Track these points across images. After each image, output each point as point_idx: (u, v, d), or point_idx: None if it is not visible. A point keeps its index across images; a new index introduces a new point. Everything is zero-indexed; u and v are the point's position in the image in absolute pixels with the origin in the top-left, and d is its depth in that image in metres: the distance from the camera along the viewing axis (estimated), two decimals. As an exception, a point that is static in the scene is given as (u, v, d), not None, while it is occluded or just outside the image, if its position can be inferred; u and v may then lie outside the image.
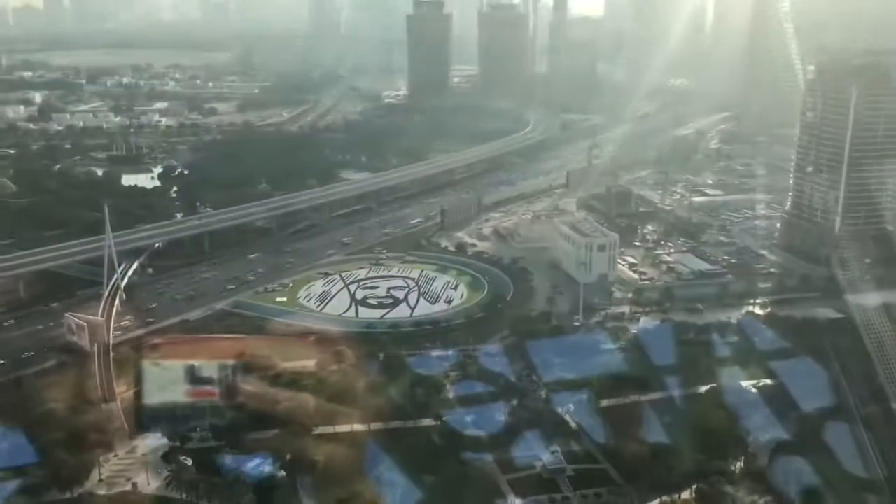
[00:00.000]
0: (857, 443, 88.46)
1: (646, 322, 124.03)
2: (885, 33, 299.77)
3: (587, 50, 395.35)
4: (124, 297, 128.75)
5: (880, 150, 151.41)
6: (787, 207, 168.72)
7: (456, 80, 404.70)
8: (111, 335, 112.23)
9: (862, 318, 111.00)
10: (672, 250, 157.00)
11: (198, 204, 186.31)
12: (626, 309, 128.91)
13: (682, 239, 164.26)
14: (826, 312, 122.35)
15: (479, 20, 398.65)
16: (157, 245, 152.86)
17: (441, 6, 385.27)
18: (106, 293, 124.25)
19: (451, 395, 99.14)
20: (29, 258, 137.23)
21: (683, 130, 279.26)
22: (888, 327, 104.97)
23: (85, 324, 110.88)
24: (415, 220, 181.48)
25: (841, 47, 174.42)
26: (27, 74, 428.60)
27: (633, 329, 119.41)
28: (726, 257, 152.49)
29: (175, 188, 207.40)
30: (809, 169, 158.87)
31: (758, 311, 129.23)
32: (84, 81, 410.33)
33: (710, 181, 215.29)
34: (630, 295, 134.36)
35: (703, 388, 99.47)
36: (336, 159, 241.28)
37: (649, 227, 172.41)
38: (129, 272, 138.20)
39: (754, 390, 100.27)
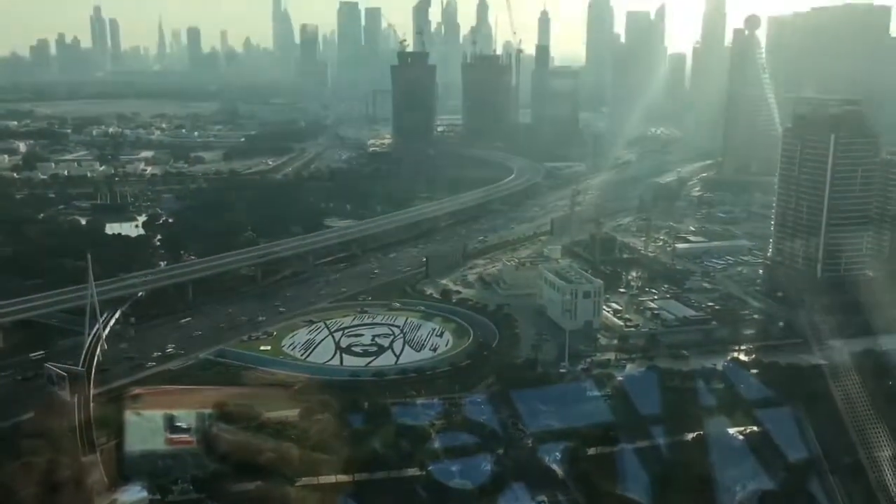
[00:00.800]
0: (837, 494, 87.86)
1: (632, 369, 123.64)
2: (861, 83, 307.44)
3: (569, 99, 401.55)
4: (106, 346, 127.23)
5: (859, 198, 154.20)
6: (769, 254, 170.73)
7: (440, 129, 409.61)
8: (91, 385, 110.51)
9: (843, 365, 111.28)
10: (656, 297, 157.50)
11: (182, 252, 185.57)
12: (611, 355, 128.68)
13: (666, 285, 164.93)
14: (810, 359, 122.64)
15: (463, 71, 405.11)
16: (139, 294, 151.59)
17: (425, 57, 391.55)
18: (87, 343, 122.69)
19: (436, 444, 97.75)
20: (9, 308, 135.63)
21: (665, 178, 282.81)
22: (867, 374, 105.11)
23: (65, 374, 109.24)
24: (400, 267, 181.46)
25: (817, 97, 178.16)
26: (12, 124, 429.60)
27: (619, 376, 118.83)
28: (710, 303, 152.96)
29: (159, 236, 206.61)
30: (790, 216, 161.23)
31: (743, 357, 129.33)
32: (70, 131, 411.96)
33: (692, 228, 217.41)
34: (615, 341, 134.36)
35: (690, 436, 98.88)
36: (320, 207, 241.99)
37: (633, 274, 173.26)
38: (111, 321, 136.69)
39: (740, 438, 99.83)
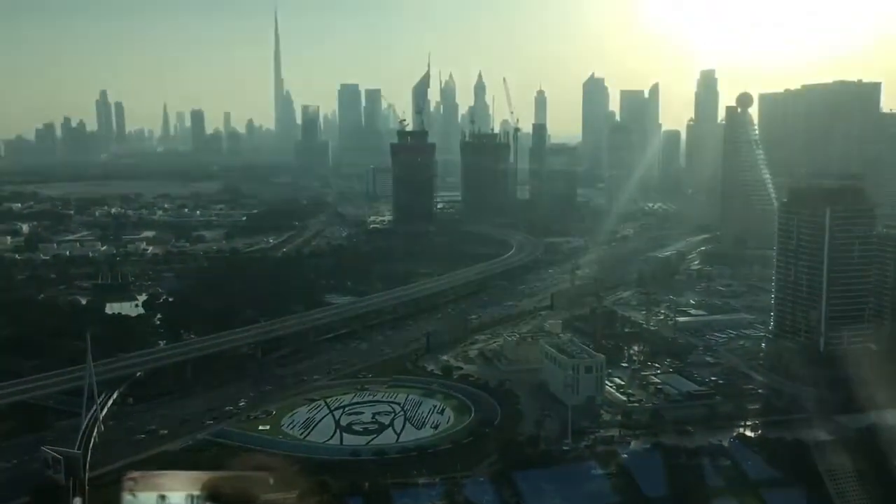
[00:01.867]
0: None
1: (636, 445, 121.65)
2: (853, 157, 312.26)
3: (566, 175, 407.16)
4: (103, 428, 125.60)
5: (858, 271, 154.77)
6: (770, 327, 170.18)
7: (440, 205, 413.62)
8: (88, 469, 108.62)
9: (848, 441, 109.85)
10: (659, 371, 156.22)
11: (182, 331, 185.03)
12: (615, 432, 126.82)
13: (668, 360, 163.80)
14: (816, 434, 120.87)
15: (462, 149, 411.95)
16: (138, 374, 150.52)
17: (424, 136, 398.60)
18: (84, 425, 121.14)
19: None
20: (6, 389, 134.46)
21: (664, 252, 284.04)
22: (874, 451, 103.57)
23: (61, 457, 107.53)
24: (400, 343, 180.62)
25: (811, 171, 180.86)
26: (16, 206, 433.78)
27: (624, 453, 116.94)
28: (713, 378, 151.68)
29: (159, 316, 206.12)
30: (790, 290, 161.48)
31: (748, 433, 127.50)
32: (73, 212, 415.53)
33: (692, 301, 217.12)
34: (619, 417, 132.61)
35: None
36: (321, 284, 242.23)
37: (635, 348, 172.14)
38: (109, 402, 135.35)
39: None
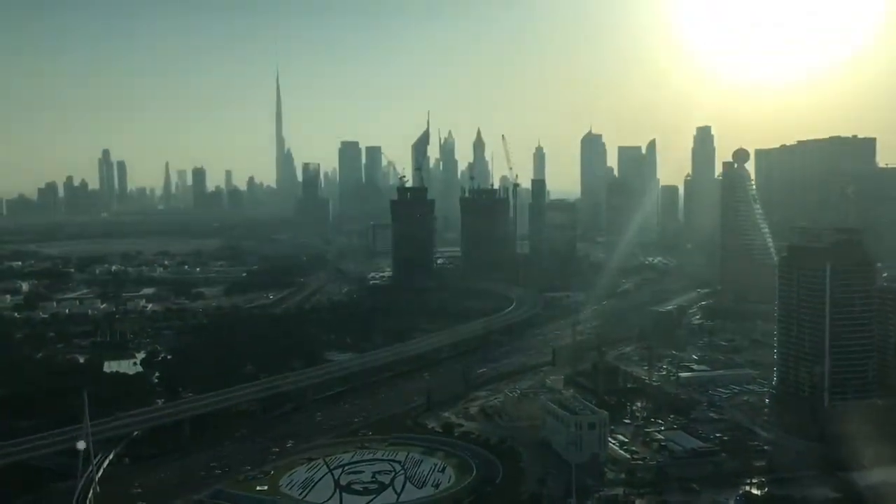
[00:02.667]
0: None
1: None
2: (851, 212, 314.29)
3: (566, 230, 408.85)
4: (98, 489, 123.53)
5: (860, 326, 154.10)
6: (774, 382, 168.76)
7: (440, 261, 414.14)
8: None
9: (855, 499, 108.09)
10: (663, 427, 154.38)
11: (180, 389, 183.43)
12: (619, 491, 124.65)
13: (671, 416, 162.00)
14: (823, 492, 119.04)
15: (462, 205, 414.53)
16: (135, 433, 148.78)
17: (424, 192, 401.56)
18: (79, 486, 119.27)
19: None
20: (2, 451, 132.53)
21: (664, 306, 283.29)
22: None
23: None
24: (401, 400, 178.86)
25: (811, 225, 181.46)
26: (16, 264, 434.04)
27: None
28: (718, 434, 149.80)
29: (158, 373, 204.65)
30: (792, 345, 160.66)
31: (754, 490, 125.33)
32: (73, 270, 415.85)
33: (695, 357, 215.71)
34: (623, 475, 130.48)
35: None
36: (321, 340, 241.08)
37: (638, 404, 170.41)
38: (105, 463, 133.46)
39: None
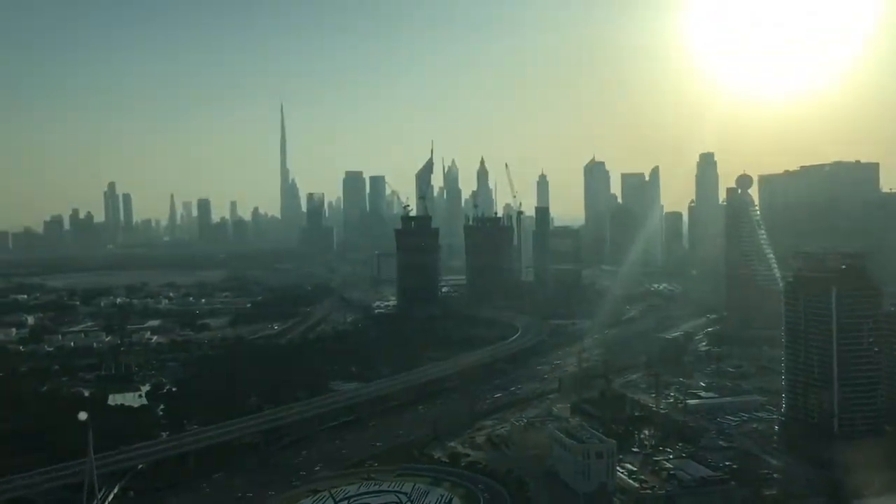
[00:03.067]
0: None
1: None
2: (855, 237, 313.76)
3: (570, 257, 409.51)
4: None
5: (867, 350, 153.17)
6: (783, 409, 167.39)
7: (444, 289, 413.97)
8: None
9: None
10: (671, 456, 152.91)
11: (185, 421, 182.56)
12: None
13: (680, 444, 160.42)
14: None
15: (466, 233, 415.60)
16: (140, 466, 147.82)
17: (428, 221, 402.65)
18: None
19: None
20: (5, 485, 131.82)
21: (670, 333, 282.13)
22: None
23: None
24: (406, 430, 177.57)
25: (816, 250, 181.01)
26: (22, 297, 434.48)
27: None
28: (727, 462, 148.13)
29: (162, 406, 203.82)
30: (800, 371, 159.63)
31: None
32: (78, 302, 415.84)
33: (702, 384, 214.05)
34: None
35: None
36: (326, 370, 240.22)
37: (646, 432, 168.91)
38: (110, 497, 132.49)
39: None
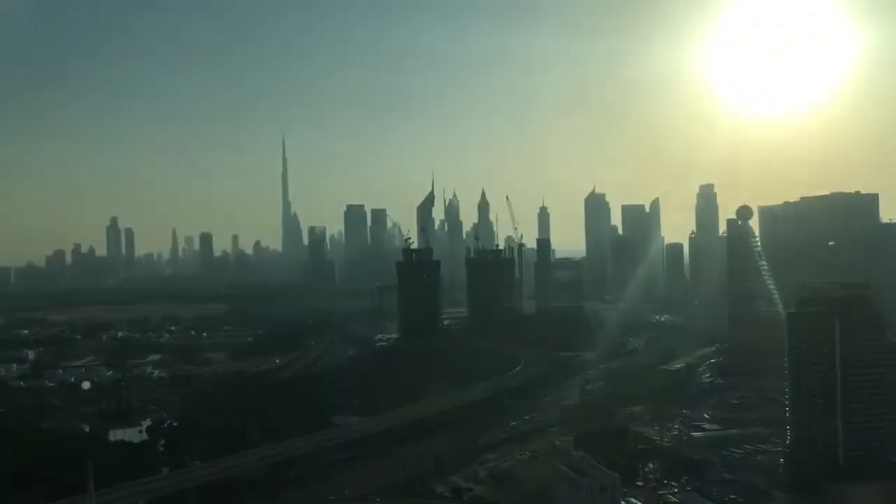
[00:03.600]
0: None
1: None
2: (856, 268, 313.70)
3: (572, 289, 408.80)
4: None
5: (873, 380, 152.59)
6: (788, 441, 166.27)
7: (446, 322, 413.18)
8: None
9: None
10: (676, 490, 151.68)
11: (186, 457, 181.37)
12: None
13: (684, 477, 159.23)
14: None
15: (467, 265, 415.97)
16: (140, 503, 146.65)
17: (430, 253, 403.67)
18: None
19: None
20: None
21: (673, 364, 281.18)
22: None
23: None
24: (408, 464, 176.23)
25: (818, 281, 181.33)
26: (23, 332, 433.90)
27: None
28: (733, 496, 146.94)
29: (163, 441, 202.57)
30: (804, 402, 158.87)
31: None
32: (80, 337, 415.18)
33: (706, 416, 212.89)
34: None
35: None
36: (328, 404, 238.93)
37: (650, 466, 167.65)
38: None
39: None
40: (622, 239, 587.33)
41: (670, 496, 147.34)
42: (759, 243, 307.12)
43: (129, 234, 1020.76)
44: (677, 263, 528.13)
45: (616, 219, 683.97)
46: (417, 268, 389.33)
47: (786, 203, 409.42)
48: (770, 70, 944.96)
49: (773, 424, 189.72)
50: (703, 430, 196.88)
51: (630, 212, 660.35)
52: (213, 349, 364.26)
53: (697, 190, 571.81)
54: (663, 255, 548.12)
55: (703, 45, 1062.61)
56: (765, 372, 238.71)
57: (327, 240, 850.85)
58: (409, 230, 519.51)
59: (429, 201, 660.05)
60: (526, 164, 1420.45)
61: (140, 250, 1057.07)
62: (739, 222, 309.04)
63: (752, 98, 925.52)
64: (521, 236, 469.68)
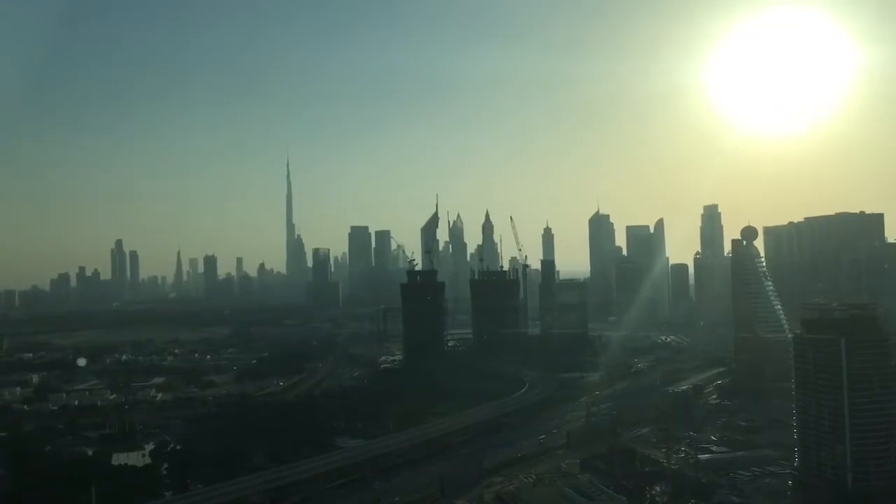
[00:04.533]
0: None
1: None
2: (861, 288, 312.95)
3: (577, 310, 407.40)
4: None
5: (880, 402, 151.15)
6: (795, 464, 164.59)
7: (451, 343, 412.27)
8: None
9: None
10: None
11: (189, 480, 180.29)
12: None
13: (692, 500, 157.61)
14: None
15: (472, 286, 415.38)
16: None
17: (434, 275, 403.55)
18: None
19: None
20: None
21: (680, 386, 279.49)
22: None
23: None
24: (412, 488, 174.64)
25: (824, 301, 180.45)
26: (27, 356, 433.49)
27: None
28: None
29: (166, 465, 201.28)
30: (812, 424, 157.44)
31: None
32: (84, 360, 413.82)
33: (713, 438, 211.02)
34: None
35: None
36: (331, 427, 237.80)
37: (657, 488, 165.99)
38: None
39: None
40: (626, 260, 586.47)
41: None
42: (764, 264, 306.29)
43: (134, 256, 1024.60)
44: (682, 284, 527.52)
45: (620, 240, 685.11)
46: (422, 289, 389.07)
47: (791, 223, 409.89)
48: (774, 91, 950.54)
49: (781, 447, 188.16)
50: (711, 452, 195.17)
51: (634, 232, 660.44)
52: (216, 372, 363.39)
53: (702, 210, 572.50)
54: (668, 276, 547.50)
55: (708, 66, 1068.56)
56: (771, 394, 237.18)
57: (331, 262, 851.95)
58: (413, 252, 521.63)
59: (433, 222, 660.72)
60: (530, 185, 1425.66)
61: (144, 273, 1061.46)
62: (744, 243, 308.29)
63: (756, 119, 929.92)
64: (526, 257, 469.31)
